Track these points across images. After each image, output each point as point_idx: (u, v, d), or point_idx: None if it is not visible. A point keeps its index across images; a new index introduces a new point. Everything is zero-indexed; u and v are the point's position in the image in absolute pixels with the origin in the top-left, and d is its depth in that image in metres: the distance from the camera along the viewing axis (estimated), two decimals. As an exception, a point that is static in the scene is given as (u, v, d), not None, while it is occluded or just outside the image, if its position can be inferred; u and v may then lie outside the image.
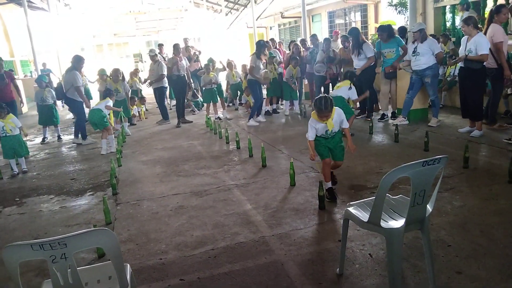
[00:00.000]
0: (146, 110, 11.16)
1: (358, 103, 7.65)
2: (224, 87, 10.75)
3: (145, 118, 10.45)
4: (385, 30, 7.22)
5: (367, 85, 7.67)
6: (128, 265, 2.15)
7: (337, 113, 3.74)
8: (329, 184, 3.97)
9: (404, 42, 7.20)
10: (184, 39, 12.06)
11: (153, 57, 9.21)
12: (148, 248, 3.28)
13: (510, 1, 7.51)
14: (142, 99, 10.49)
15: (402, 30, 7.96)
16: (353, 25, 16.96)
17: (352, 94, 6.00)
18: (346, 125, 3.87)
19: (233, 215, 3.76)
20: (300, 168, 4.92)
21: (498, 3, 7.73)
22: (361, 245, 3.00)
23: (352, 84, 6.01)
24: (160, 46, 11.92)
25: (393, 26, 8.08)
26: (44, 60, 16.22)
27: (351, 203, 2.68)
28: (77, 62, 7.53)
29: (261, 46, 8.14)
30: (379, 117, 7.63)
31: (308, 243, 3.11)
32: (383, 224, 2.33)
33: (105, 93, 7.56)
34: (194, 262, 2.99)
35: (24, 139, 6.43)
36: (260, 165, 5.24)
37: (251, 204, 3.99)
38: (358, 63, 7.58)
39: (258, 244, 3.16)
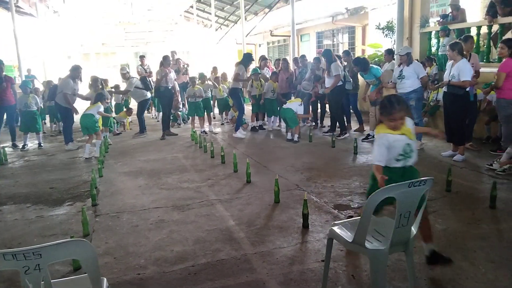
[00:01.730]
0: (131, 121, 11.05)
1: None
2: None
3: (130, 129, 10.34)
4: (358, 64, 7.53)
5: (335, 103, 8.09)
6: (105, 279, 2.07)
7: (408, 120, 2.78)
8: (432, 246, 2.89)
9: (381, 72, 7.35)
10: (172, 52, 12.01)
11: (124, 74, 9.24)
12: (126, 262, 3.18)
13: (492, 31, 7.74)
14: (129, 110, 10.41)
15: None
16: (341, 46, 17.28)
17: (300, 110, 7.88)
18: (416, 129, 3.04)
19: (215, 231, 3.69)
20: (285, 185, 4.89)
21: (481, 31, 7.97)
22: (344, 265, 2.97)
23: (302, 102, 7.98)
24: (142, 57, 11.95)
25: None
26: (29, 66, 15.99)
27: (335, 222, 2.66)
28: (73, 70, 7.74)
29: (249, 59, 8.41)
30: (364, 137, 7.72)
31: (290, 262, 3.06)
32: (367, 244, 2.31)
33: (96, 97, 7.57)
34: (173, 278, 2.91)
35: None
36: (245, 181, 5.20)
37: (234, 220, 3.93)
38: (328, 81, 7.93)
39: (240, 262, 3.09)
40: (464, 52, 6.04)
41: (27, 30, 18.60)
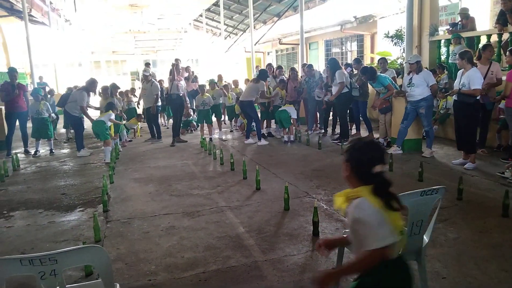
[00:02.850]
0: (141, 128, 11.14)
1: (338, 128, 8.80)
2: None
3: (140, 135, 10.43)
4: (365, 73, 7.56)
5: (340, 110, 8.31)
6: (118, 284, 2.09)
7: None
8: None
9: (388, 80, 7.33)
10: (176, 60, 11.84)
11: (146, 76, 9.34)
12: (137, 268, 3.20)
13: (502, 39, 7.71)
14: (139, 117, 10.49)
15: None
16: (349, 54, 17.32)
17: (294, 114, 8.54)
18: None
19: (225, 238, 3.70)
20: (294, 192, 4.89)
21: (491, 40, 7.93)
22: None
23: (293, 107, 8.72)
24: (147, 65, 12.04)
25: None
26: (41, 74, 16.25)
27: (346, 230, 2.65)
28: (90, 84, 7.97)
29: (265, 75, 8.82)
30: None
31: (301, 270, 3.05)
32: (379, 253, 2.30)
33: (107, 106, 7.74)
34: (184, 284, 2.92)
35: None
36: (254, 188, 5.20)
37: (244, 227, 3.93)
38: (335, 89, 8.12)
39: (250, 269, 3.10)
40: (475, 60, 6.05)
41: (39, 38, 18.93)
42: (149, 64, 12.12)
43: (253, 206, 4.57)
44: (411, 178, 5.43)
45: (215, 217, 4.25)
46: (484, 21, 10.69)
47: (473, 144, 5.88)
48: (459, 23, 8.66)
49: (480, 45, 7.30)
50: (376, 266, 1.61)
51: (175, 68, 8.88)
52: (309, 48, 20.13)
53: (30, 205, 4.95)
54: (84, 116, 8.17)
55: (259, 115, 9.58)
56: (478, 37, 8.18)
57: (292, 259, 3.23)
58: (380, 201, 1.62)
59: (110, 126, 7.62)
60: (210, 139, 9.15)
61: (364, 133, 8.80)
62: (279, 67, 10.60)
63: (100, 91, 8.60)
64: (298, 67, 13.31)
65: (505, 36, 7.61)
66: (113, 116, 7.63)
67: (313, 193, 4.95)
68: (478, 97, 5.70)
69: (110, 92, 8.56)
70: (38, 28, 18.84)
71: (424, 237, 2.38)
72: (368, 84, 8.02)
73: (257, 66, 14.94)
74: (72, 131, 10.22)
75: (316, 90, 9.15)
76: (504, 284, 2.75)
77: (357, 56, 16.11)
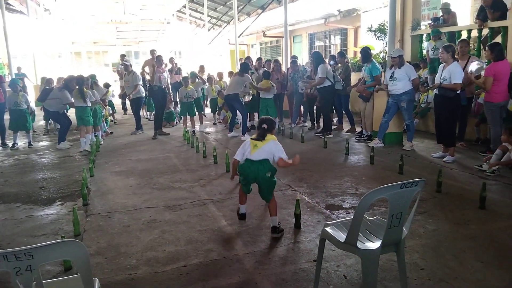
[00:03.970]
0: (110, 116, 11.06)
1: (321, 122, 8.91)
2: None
3: (110, 118, 10.36)
4: (361, 53, 7.77)
5: (324, 103, 8.35)
6: (97, 279, 2.06)
7: (272, 144, 3.65)
8: (243, 209, 3.93)
9: (379, 71, 7.39)
10: (151, 51, 11.11)
11: (127, 66, 9.19)
12: (118, 262, 3.16)
13: (482, 34, 7.84)
14: (103, 102, 10.34)
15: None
16: (333, 47, 17.37)
17: (273, 92, 8.62)
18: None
19: (208, 231, 3.69)
20: (277, 185, 4.84)
21: (472, 35, 8.06)
22: (335, 265, 2.98)
23: (269, 82, 8.58)
24: (123, 56, 11.88)
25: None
26: (19, 64, 15.83)
27: (328, 222, 2.67)
28: (69, 81, 7.79)
29: (248, 68, 8.75)
30: (357, 136, 7.79)
31: (283, 262, 3.07)
32: (359, 245, 2.32)
33: (78, 83, 7.57)
34: (165, 278, 2.90)
35: None
36: (237, 181, 5.17)
37: (227, 221, 3.93)
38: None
39: (232, 262, 3.10)
40: (456, 55, 6.14)
41: (17, 27, 18.40)
42: (125, 55, 11.99)
43: (235, 199, 4.55)
44: (392, 170, 5.51)
45: (197, 211, 4.23)
46: (465, 16, 10.84)
47: (452, 138, 5.98)
48: (441, 18, 8.77)
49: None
50: (243, 162, 3.61)
51: (157, 59, 8.77)
52: (293, 41, 20.12)
53: (7, 199, 4.84)
54: (66, 111, 8.07)
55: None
56: (459, 32, 8.29)
57: (274, 252, 3.24)
58: (255, 139, 3.58)
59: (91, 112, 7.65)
60: (193, 131, 9.09)
61: (346, 126, 8.88)
62: (259, 59, 10.53)
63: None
64: (282, 59, 13.29)
65: (485, 31, 7.74)
66: (90, 97, 7.67)
67: (295, 186, 4.97)
68: (458, 91, 5.79)
69: (90, 83, 8.39)
70: (15, 17, 18.33)
71: (404, 229, 2.41)
72: (352, 74, 8.11)
73: (240, 59, 14.85)
74: (50, 122, 10.03)
75: (300, 83, 9.14)
76: (479, 274, 2.81)
77: (341, 49, 16.19)
